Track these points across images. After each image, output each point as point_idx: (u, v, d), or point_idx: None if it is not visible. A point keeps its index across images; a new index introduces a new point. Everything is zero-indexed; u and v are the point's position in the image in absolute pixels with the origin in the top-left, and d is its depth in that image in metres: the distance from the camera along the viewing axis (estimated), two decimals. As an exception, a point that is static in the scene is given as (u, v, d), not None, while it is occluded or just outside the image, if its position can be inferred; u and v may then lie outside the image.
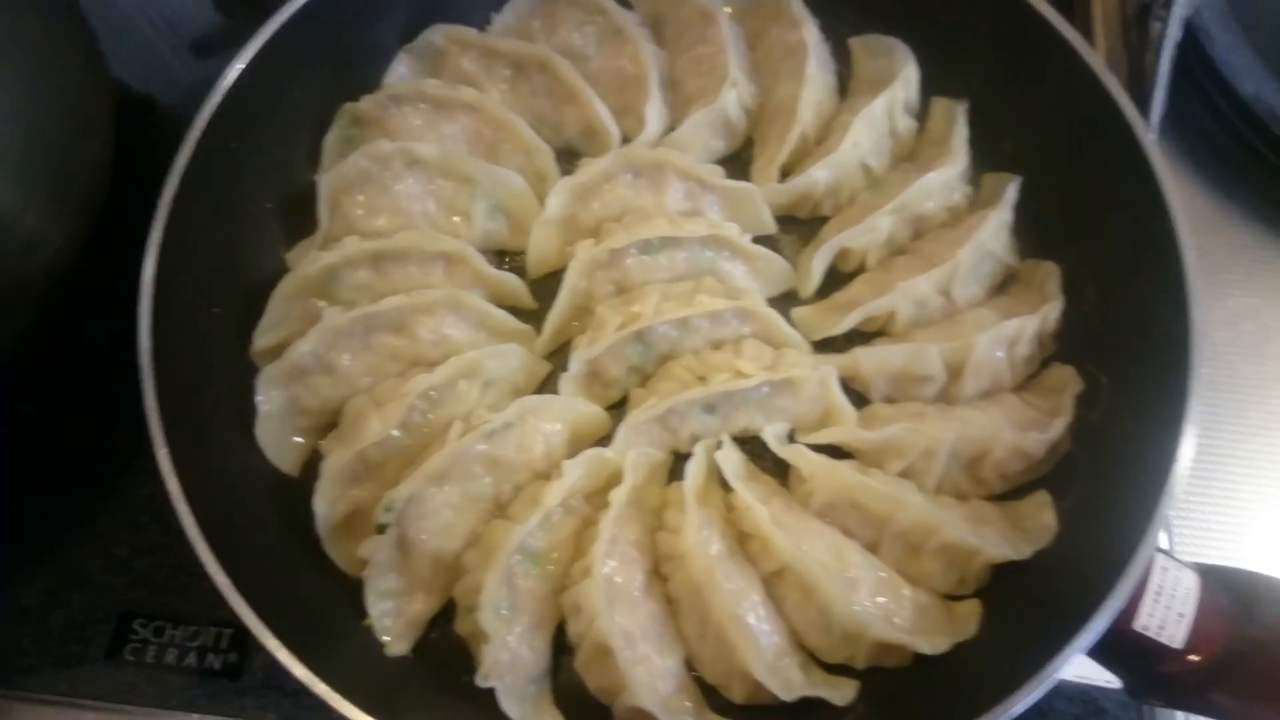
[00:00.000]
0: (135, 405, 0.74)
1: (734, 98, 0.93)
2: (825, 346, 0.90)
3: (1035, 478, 0.85)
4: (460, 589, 0.77)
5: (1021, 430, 0.81)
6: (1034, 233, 0.93)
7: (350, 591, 0.79)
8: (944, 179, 0.89)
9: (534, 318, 0.91)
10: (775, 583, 0.78)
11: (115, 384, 0.90)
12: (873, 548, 0.81)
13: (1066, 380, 0.86)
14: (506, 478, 0.81)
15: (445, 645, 0.79)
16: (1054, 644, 0.70)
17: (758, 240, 0.91)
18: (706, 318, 0.86)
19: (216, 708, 0.85)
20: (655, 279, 0.89)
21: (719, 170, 0.93)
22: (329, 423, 0.84)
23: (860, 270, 0.92)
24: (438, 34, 0.94)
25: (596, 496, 0.83)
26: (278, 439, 0.82)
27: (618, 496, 0.79)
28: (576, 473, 0.80)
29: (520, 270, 0.93)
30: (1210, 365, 0.91)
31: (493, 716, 0.73)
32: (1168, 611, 0.74)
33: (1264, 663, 0.71)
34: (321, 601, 0.79)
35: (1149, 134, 0.84)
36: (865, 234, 0.88)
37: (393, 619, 0.77)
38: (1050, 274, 0.89)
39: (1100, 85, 0.85)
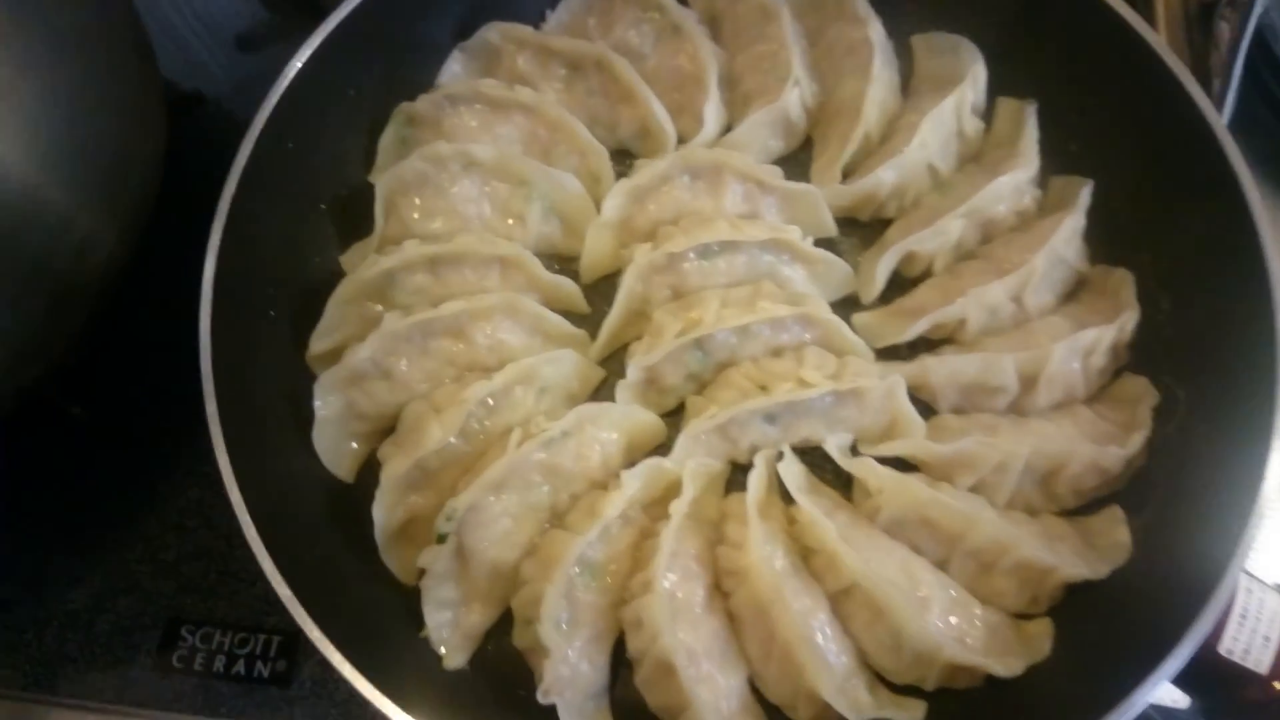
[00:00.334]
0: (183, 408, 0.73)
1: (796, 96, 0.90)
2: (885, 354, 0.87)
3: (1108, 493, 0.82)
4: (518, 601, 0.75)
5: (1099, 444, 0.78)
6: (1104, 238, 0.89)
7: (405, 601, 0.77)
8: (1015, 182, 0.87)
9: (588, 322, 0.89)
10: (842, 601, 0.76)
11: (163, 386, 0.90)
12: (942, 565, 0.78)
13: (1141, 392, 0.83)
14: (564, 486, 0.80)
15: (501, 658, 0.77)
16: (1138, 670, 0.68)
17: (818, 244, 0.89)
18: (767, 324, 0.84)
19: (265, 716, 0.84)
20: (713, 284, 0.87)
21: (778, 171, 0.90)
22: (385, 428, 0.83)
23: (925, 275, 0.89)
24: (493, 32, 0.93)
25: (654, 507, 0.81)
26: (334, 445, 0.80)
27: (678, 509, 0.77)
28: (635, 484, 0.78)
29: (574, 274, 0.91)
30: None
31: (550, 732, 0.72)
32: (1253, 636, 0.72)
33: (1355, 691, 0.69)
34: (376, 611, 0.77)
35: (1228, 134, 0.81)
36: (935, 238, 0.86)
37: (450, 630, 0.75)
38: (1124, 281, 0.86)
39: (1178, 84, 0.82)
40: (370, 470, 0.81)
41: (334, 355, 0.81)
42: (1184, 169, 0.83)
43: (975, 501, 0.79)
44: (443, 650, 0.75)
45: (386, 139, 0.90)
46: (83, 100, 0.76)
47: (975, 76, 0.90)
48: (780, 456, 0.83)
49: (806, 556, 0.79)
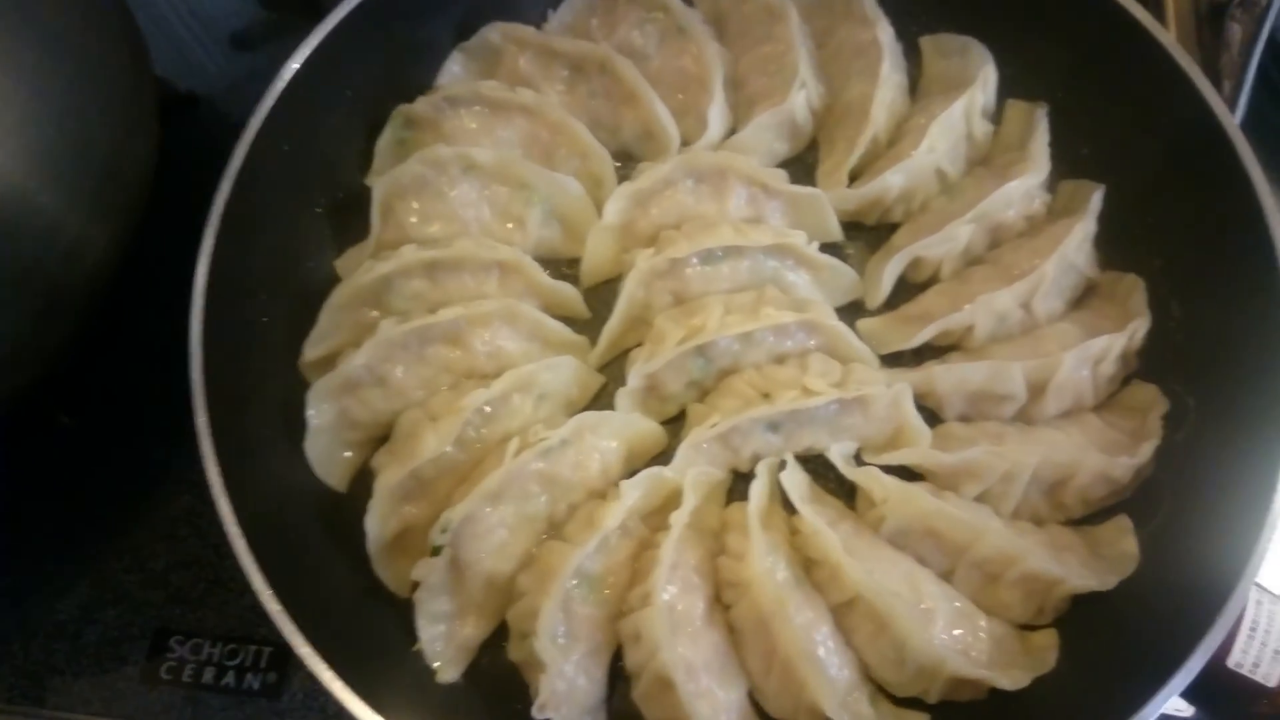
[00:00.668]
0: (173, 415, 0.71)
1: (803, 99, 0.89)
2: (891, 360, 0.86)
3: (1116, 502, 0.81)
4: (514, 614, 0.74)
5: (1108, 454, 0.77)
6: (1113, 243, 0.88)
7: (398, 613, 0.76)
8: (1025, 187, 0.85)
9: (588, 328, 0.88)
10: (845, 613, 0.75)
11: (152, 393, 0.88)
12: (947, 576, 0.77)
13: (1150, 400, 0.82)
14: (562, 496, 0.78)
15: (496, 671, 0.76)
16: (1146, 684, 0.67)
17: (823, 248, 0.88)
18: (771, 330, 0.83)
19: (255, 729, 0.82)
20: (716, 289, 0.86)
21: (783, 175, 0.89)
22: (379, 436, 0.81)
23: (932, 281, 0.88)
24: (494, 32, 0.91)
25: (654, 517, 0.79)
26: (327, 453, 0.79)
27: (678, 519, 0.75)
28: (635, 494, 0.76)
29: (574, 279, 0.90)
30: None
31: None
32: (1263, 649, 0.71)
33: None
34: (369, 623, 0.76)
35: (1242, 138, 0.80)
36: (943, 243, 0.84)
37: (443, 643, 0.74)
38: (1134, 287, 0.85)
39: (1191, 86, 0.81)
40: (365, 480, 0.79)
41: (328, 362, 0.79)
42: (1196, 173, 0.82)
43: (981, 511, 0.77)
44: (436, 664, 0.74)
45: (384, 141, 0.88)
46: (73, 100, 0.74)
47: (985, 79, 0.89)
48: (783, 465, 0.81)
49: (809, 568, 0.78)
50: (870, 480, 0.79)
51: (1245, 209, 0.78)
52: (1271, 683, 0.70)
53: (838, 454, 0.81)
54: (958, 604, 0.75)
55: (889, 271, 0.85)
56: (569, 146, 0.89)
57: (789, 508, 0.80)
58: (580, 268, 0.89)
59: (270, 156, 0.79)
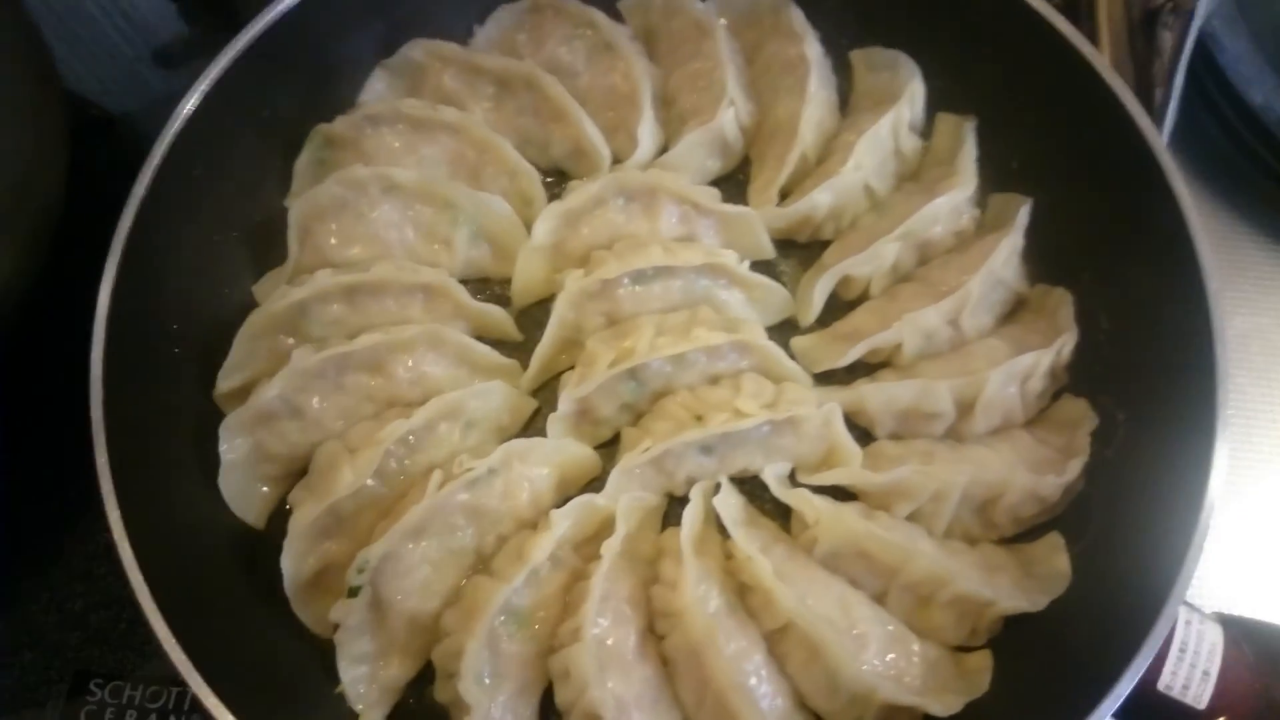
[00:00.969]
0: (90, 449, 0.69)
1: (731, 116, 0.88)
2: (826, 377, 0.85)
3: (1048, 519, 0.81)
4: (439, 653, 0.72)
5: (1037, 473, 0.77)
6: (1044, 257, 0.88)
7: (322, 654, 0.73)
8: (952, 203, 0.85)
9: (520, 350, 0.86)
10: (778, 640, 0.74)
11: (68, 426, 0.84)
12: (880, 599, 0.77)
13: (1080, 415, 0.82)
14: (490, 529, 0.76)
15: (424, 712, 0.74)
16: (1075, 709, 0.66)
17: (755, 266, 0.87)
18: (704, 352, 0.81)
19: (179, 773, 0.80)
20: (649, 309, 0.84)
21: (715, 193, 0.88)
22: (298, 470, 0.79)
23: (863, 298, 0.87)
24: (417, 49, 0.89)
25: (586, 546, 0.78)
26: (242, 489, 0.76)
27: (610, 549, 0.74)
28: (565, 524, 0.75)
29: (505, 300, 0.88)
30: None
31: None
32: (1192, 670, 0.70)
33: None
34: (290, 666, 0.74)
35: (1166, 150, 0.80)
36: (869, 261, 0.84)
37: (366, 685, 0.71)
38: (1062, 302, 0.85)
39: (1118, 102, 0.81)
40: (285, 516, 0.77)
41: (245, 393, 0.77)
42: (1124, 188, 0.82)
43: (913, 532, 0.77)
44: (359, 706, 0.71)
45: (303, 162, 0.86)
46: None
47: (912, 94, 0.88)
48: (718, 488, 0.80)
49: (743, 593, 0.77)
50: (802, 502, 0.78)
51: (1171, 224, 0.78)
52: (1202, 705, 0.69)
53: (771, 475, 0.80)
54: (891, 627, 0.75)
55: (820, 289, 0.85)
56: (496, 165, 0.87)
57: (725, 531, 0.79)
58: (511, 289, 0.87)
59: (180, 181, 0.77)
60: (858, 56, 0.95)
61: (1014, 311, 0.87)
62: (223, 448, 0.75)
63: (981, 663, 0.75)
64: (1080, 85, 0.83)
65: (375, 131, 0.85)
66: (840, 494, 0.81)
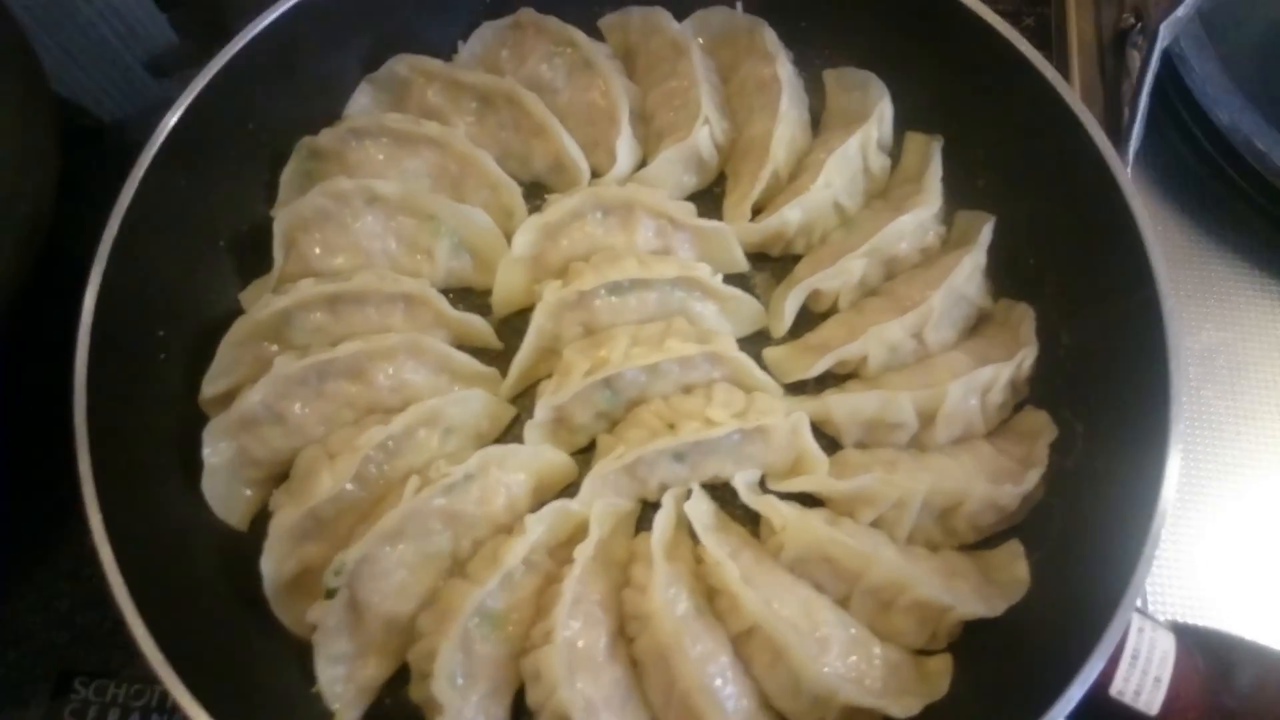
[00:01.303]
0: (74, 452, 0.70)
1: (706, 134, 0.90)
2: (797, 388, 0.88)
3: (1008, 527, 0.83)
4: (414, 654, 0.74)
5: (995, 483, 0.79)
6: (1007, 272, 0.91)
7: (301, 655, 0.75)
8: (918, 220, 0.88)
9: (500, 359, 0.88)
10: (744, 642, 0.76)
11: (56, 428, 0.86)
12: (843, 603, 0.79)
13: (1040, 427, 0.85)
14: (465, 533, 0.78)
15: (400, 712, 0.76)
16: (1030, 713, 0.68)
17: (729, 278, 0.89)
18: (677, 362, 0.84)
19: (161, 771, 0.81)
20: (624, 320, 0.87)
21: (691, 208, 0.90)
22: (281, 474, 0.80)
23: (832, 311, 0.90)
24: (402, 64, 0.91)
25: (560, 550, 0.80)
26: (225, 492, 0.78)
27: (583, 553, 0.76)
28: (539, 529, 0.77)
29: (485, 309, 0.90)
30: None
31: (449, 787, 0.70)
32: (1144, 677, 0.72)
33: (1242, 734, 0.69)
34: (269, 666, 0.75)
35: (1125, 171, 0.82)
36: (837, 276, 0.86)
37: (343, 685, 0.73)
38: (1024, 316, 0.87)
39: (1076, 121, 0.84)
40: (266, 518, 0.78)
41: (228, 399, 0.79)
42: (1085, 208, 0.85)
43: (875, 538, 0.79)
44: (336, 706, 0.73)
45: (289, 173, 0.88)
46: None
47: (881, 114, 0.91)
48: (689, 495, 0.83)
49: (712, 597, 0.79)
50: (769, 508, 0.80)
51: (1129, 243, 0.80)
52: (1153, 711, 0.70)
53: (741, 482, 0.83)
54: (853, 630, 0.77)
55: (790, 303, 0.87)
56: (478, 178, 0.89)
57: (696, 537, 0.81)
58: (491, 298, 0.89)
59: (167, 190, 0.79)
60: (830, 76, 0.97)
61: (978, 325, 0.90)
62: (206, 452, 0.77)
63: (941, 666, 0.78)
64: (1043, 107, 0.86)
65: (359, 144, 0.88)
66: (808, 500, 0.83)
